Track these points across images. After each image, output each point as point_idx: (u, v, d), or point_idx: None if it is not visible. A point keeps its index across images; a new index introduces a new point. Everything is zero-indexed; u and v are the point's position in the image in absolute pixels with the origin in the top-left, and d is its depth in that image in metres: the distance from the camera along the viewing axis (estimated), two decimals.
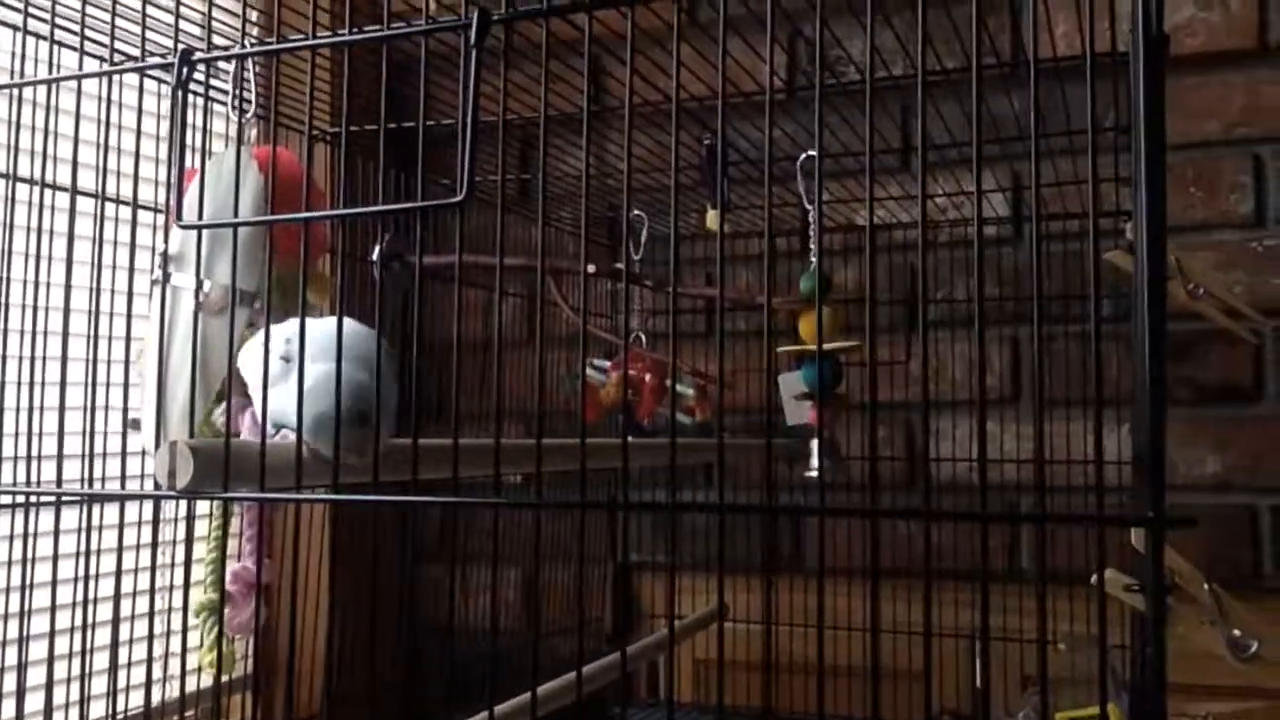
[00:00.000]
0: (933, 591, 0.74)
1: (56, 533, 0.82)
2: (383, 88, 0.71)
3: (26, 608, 0.88)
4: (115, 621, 0.87)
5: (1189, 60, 1.69)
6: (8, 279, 0.88)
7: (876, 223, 1.79)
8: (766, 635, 1.71)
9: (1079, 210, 1.59)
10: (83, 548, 0.84)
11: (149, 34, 0.88)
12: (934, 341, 1.81)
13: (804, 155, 1.31)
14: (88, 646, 0.89)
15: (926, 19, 0.65)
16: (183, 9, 0.82)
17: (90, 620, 0.86)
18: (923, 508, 0.61)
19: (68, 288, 0.87)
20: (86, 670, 0.91)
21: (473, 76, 0.65)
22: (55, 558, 0.84)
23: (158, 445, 0.71)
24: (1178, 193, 1.68)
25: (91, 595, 0.88)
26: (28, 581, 0.87)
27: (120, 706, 0.98)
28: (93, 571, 0.86)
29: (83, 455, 0.83)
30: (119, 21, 0.84)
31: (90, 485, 0.82)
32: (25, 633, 0.88)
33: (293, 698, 1.57)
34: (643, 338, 1.62)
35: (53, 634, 0.89)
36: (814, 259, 1.31)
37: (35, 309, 0.88)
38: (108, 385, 0.88)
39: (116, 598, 0.83)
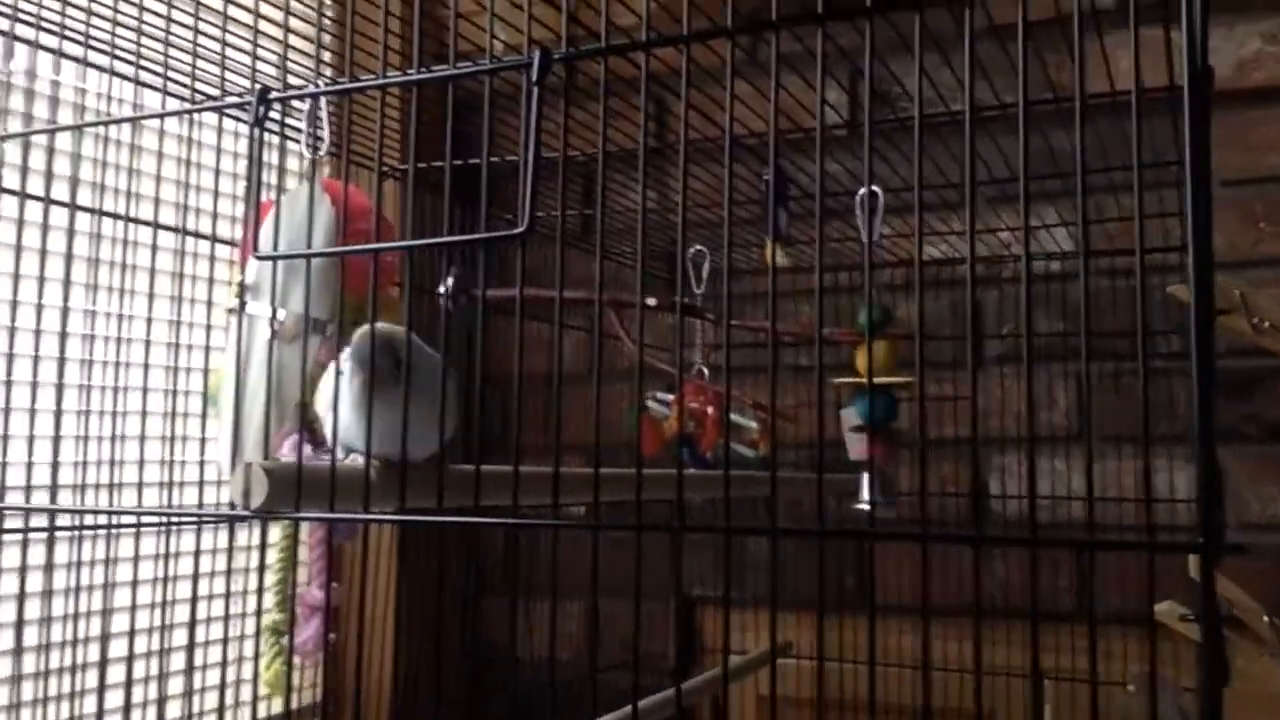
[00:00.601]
0: (990, 629, 0.73)
1: (136, 556, 0.84)
2: (448, 125, 0.74)
3: (106, 630, 0.91)
4: (190, 645, 0.90)
5: (1255, 94, 1.68)
6: (92, 310, 0.92)
7: (939, 257, 1.78)
8: (819, 671, 1.70)
9: (1147, 245, 1.58)
10: (160, 571, 0.86)
11: (228, 75, 0.92)
12: (999, 377, 1.80)
13: (861, 190, 1.32)
14: (163, 670, 0.92)
15: (974, 52, 0.66)
16: (261, 50, 0.86)
17: (164, 645, 0.89)
18: (973, 533, 0.61)
19: (149, 320, 0.90)
20: (161, 694, 0.94)
21: (534, 113, 0.67)
22: (135, 580, 0.87)
23: (234, 468, 0.74)
24: (1246, 227, 1.66)
25: (170, 620, 0.91)
26: (107, 605, 0.90)
27: None
28: (170, 596, 0.89)
29: (161, 483, 0.86)
30: (199, 63, 0.88)
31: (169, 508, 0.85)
32: (104, 655, 0.91)
33: None
34: (705, 371, 1.63)
35: (130, 656, 0.92)
36: (871, 293, 1.32)
37: (118, 341, 0.92)
38: (185, 415, 0.91)
39: (192, 620, 0.85)
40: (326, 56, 0.82)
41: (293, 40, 0.80)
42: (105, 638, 0.95)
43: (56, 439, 0.88)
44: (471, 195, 0.86)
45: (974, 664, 0.62)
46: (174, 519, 0.86)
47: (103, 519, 0.90)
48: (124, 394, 0.93)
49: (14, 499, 0.92)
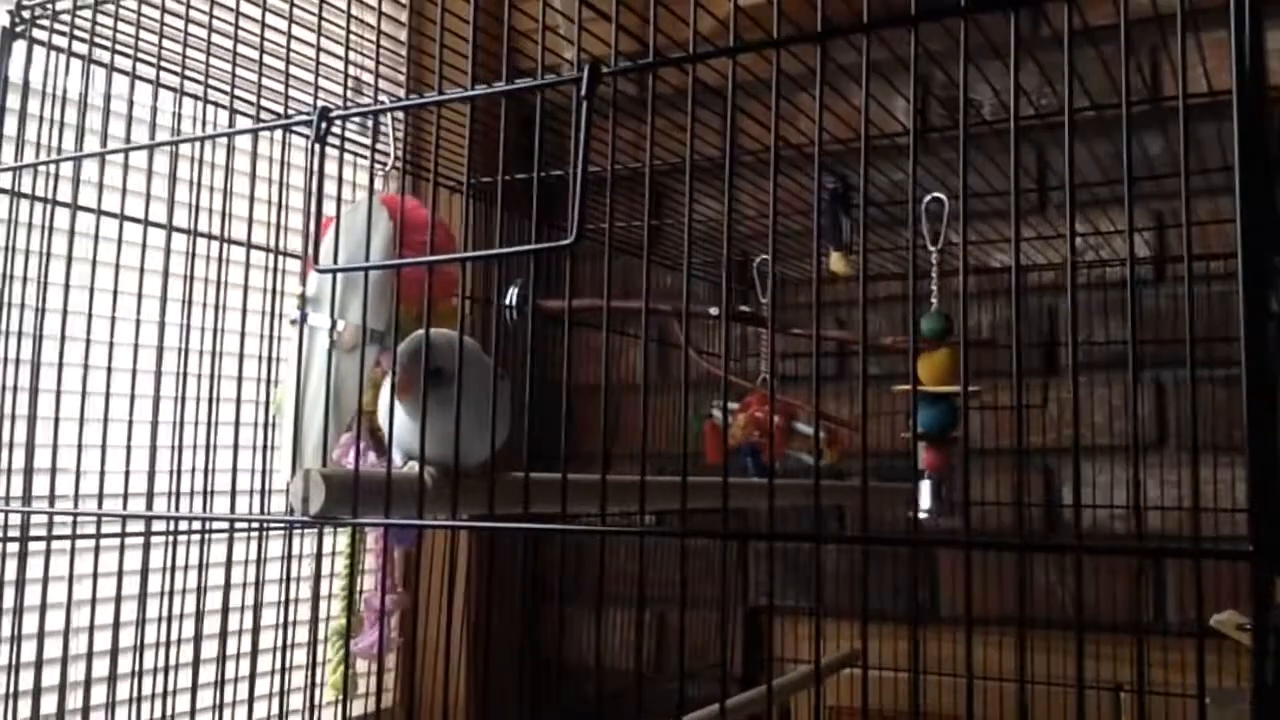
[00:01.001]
0: (1064, 640, 0.73)
1: (203, 559, 0.87)
2: (500, 139, 0.75)
3: (167, 636, 0.94)
4: (254, 648, 0.92)
5: None
6: (162, 321, 0.96)
7: (1009, 265, 1.76)
8: (914, 683, 1.68)
9: (1220, 251, 1.54)
10: (223, 575, 0.89)
11: (294, 93, 0.94)
12: (1072, 385, 1.77)
13: (928, 198, 1.32)
14: (220, 677, 0.94)
15: (1074, 57, 0.65)
16: (327, 70, 0.88)
17: (221, 653, 0.91)
18: (1016, 539, 0.61)
19: (183, 326, 0.93)
20: (219, 700, 0.96)
21: (584, 127, 0.69)
22: (200, 586, 0.89)
23: (293, 474, 0.76)
24: None
25: (237, 623, 0.93)
26: (170, 610, 0.93)
27: None
28: (236, 601, 0.91)
29: (230, 489, 0.89)
30: (267, 81, 0.90)
31: (234, 512, 0.88)
32: (166, 661, 0.93)
33: None
34: (769, 380, 1.63)
35: (196, 660, 0.94)
36: (934, 301, 1.32)
37: (175, 351, 0.95)
38: (241, 422, 0.93)
39: (256, 623, 0.88)
40: (401, 72, 0.84)
41: (364, 60, 0.82)
42: (168, 644, 0.98)
43: (128, 447, 0.92)
44: (544, 208, 0.87)
45: (1018, 674, 0.62)
46: (237, 525, 0.89)
47: (163, 525, 0.93)
48: (187, 403, 0.96)
49: (79, 504, 0.95)
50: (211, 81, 0.91)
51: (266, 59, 0.89)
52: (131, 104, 0.95)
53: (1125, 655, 1.58)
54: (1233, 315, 1.61)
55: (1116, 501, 1.70)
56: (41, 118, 0.99)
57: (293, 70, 0.86)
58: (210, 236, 0.98)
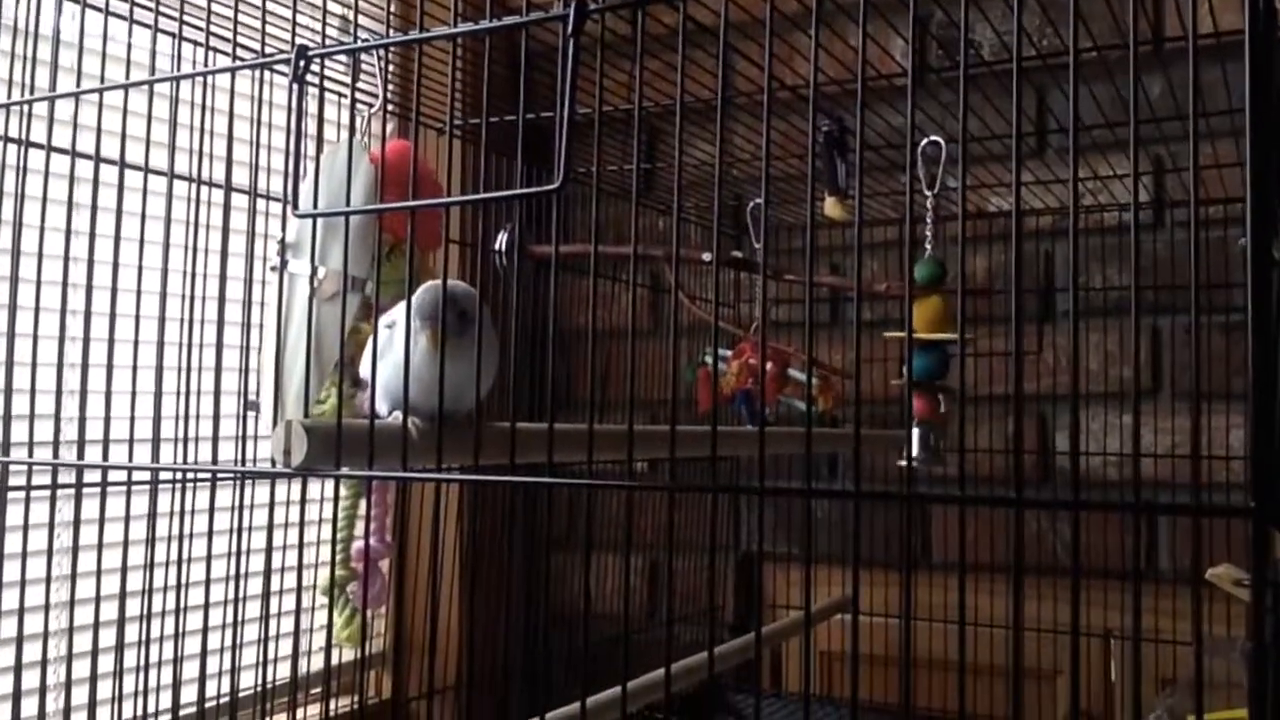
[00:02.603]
0: (1055, 587, 0.72)
1: (183, 510, 0.86)
2: (484, 79, 0.73)
3: (147, 586, 0.93)
4: (238, 595, 0.91)
5: None
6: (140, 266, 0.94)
7: (1007, 209, 1.74)
8: (906, 630, 1.68)
9: (1220, 196, 1.52)
10: (205, 525, 0.88)
11: (280, 32, 0.92)
12: (1068, 332, 1.75)
13: (925, 141, 1.29)
14: (181, 627, 0.93)
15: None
16: (313, 7, 0.85)
17: (207, 600, 0.90)
18: (1012, 495, 0.59)
19: (164, 270, 0.91)
20: (204, 648, 0.95)
21: (570, 67, 0.66)
22: (181, 535, 0.88)
23: (275, 425, 0.74)
24: None
25: (215, 574, 0.92)
26: (146, 560, 0.92)
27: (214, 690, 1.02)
28: (217, 550, 0.90)
29: (212, 436, 0.87)
30: (246, 19, 0.88)
31: (216, 464, 0.86)
32: (145, 610, 0.92)
33: (433, 672, 1.62)
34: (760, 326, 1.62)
35: (179, 609, 0.93)
36: (928, 247, 1.30)
37: (142, 295, 0.93)
38: (225, 369, 0.92)
39: (236, 574, 0.87)
40: (385, 10, 0.81)
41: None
42: (149, 592, 0.97)
43: (107, 393, 0.90)
44: (530, 151, 0.85)
45: (1015, 619, 0.61)
46: (220, 475, 0.87)
47: (147, 475, 0.92)
48: (166, 348, 0.94)
49: (50, 455, 0.94)
50: (188, 19, 0.88)
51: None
52: (106, 41, 0.92)
53: (1116, 602, 1.58)
54: (1231, 261, 1.60)
55: (1110, 448, 1.69)
56: (14, 55, 0.96)
57: (272, 7, 0.84)
58: (188, 179, 0.96)
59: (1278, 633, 0.75)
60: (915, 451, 1.33)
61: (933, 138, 1.30)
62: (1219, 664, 1.39)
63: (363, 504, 0.98)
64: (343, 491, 0.97)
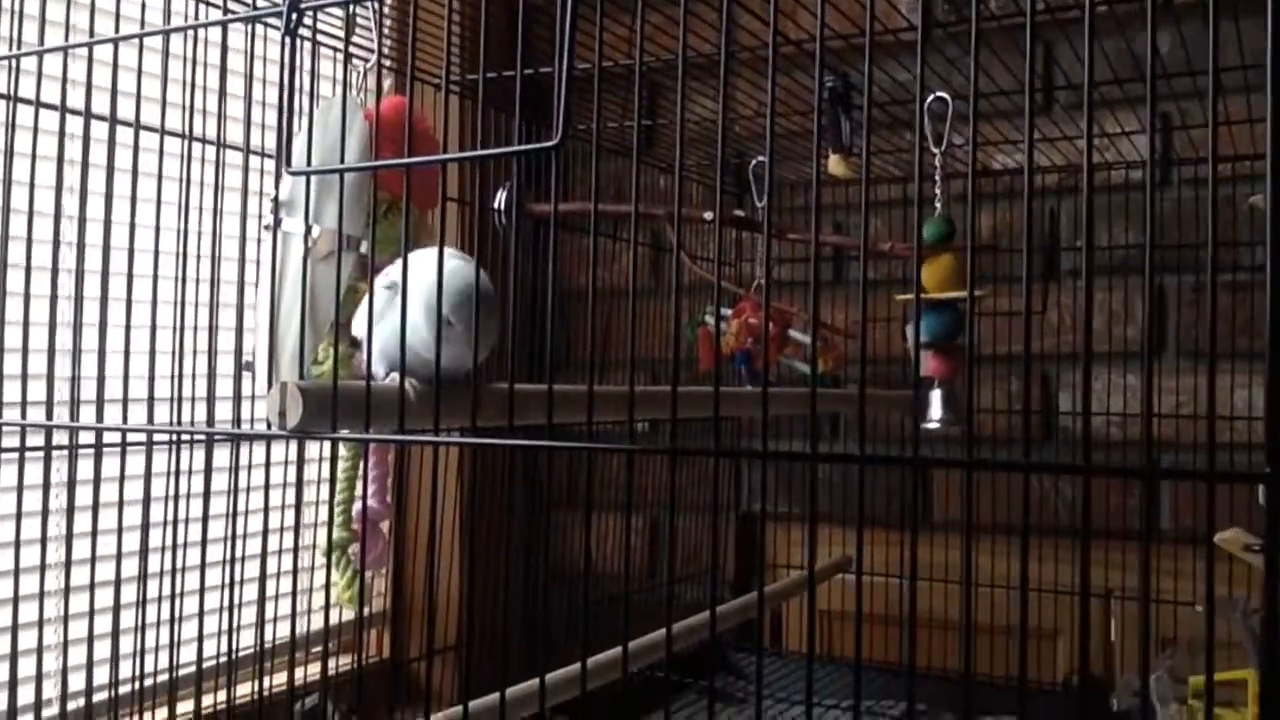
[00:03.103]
0: (1057, 547, 0.71)
1: (175, 471, 0.85)
2: (481, 32, 0.71)
3: (145, 546, 0.92)
4: (231, 556, 0.91)
5: None
6: (134, 223, 0.92)
7: (1014, 167, 1.72)
8: (912, 589, 1.68)
9: (1229, 154, 1.50)
10: (201, 486, 0.87)
11: None
12: (1072, 291, 1.74)
13: (931, 97, 1.27)
14: (179, 588, 0.93)
15: None
16: None
17: (203, 560, 0.90)
18: (1021, 460, 0.58)
19: (157, 228, 0.90)
20: (202, 609, 0.95)
21: (569, 20, 0.65)
22: (174, 495, 0.87)
23: (270, 386, 0.73)
24: None
25: (212, 535, 0.91)
26: (143, 521, 0.91)
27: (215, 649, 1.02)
28: (214, 511, 0.89)
29: (208, 397, 0.86)
30: None
31: (211, 426, 0.85)
32: (142, 571, 0.92)
33: (433, 633, 1.62)
34: (762, 285, 1.60)
35: (143, 571, 0.93)
36: (937, 205, 1.28)
37: (140, 253, 0.92)
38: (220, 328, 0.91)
39: (230, 536, 0.86)
40: None
41: None
42: (144, 552, 0.96)
43: (100, 352, 0.89)
44: (533, 109, 0.83)
45: (1021, 582, 0.60)
46: (216, 437, 0.86)
47: (142, 436, 0.91)
48: (160, 307, 0.93)
49: (44, 415, 0.93)
50: None
51: None
52: None
53: (1117, 561, 1.57)
54: (1239, 219, 1.57)
55: (1114, 408, 1.68)
56: (0, 9, 0.94)
57: None
58: (180, 135, 0.94)
59: None
60: (938, 413, 1.32)
61: (939, 94, 1.28)
62: (1219, 624, 1.39)
63: (362, 465, 0.97)
64: (342, 452, 0.96)
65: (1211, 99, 0.55)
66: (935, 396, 1.33)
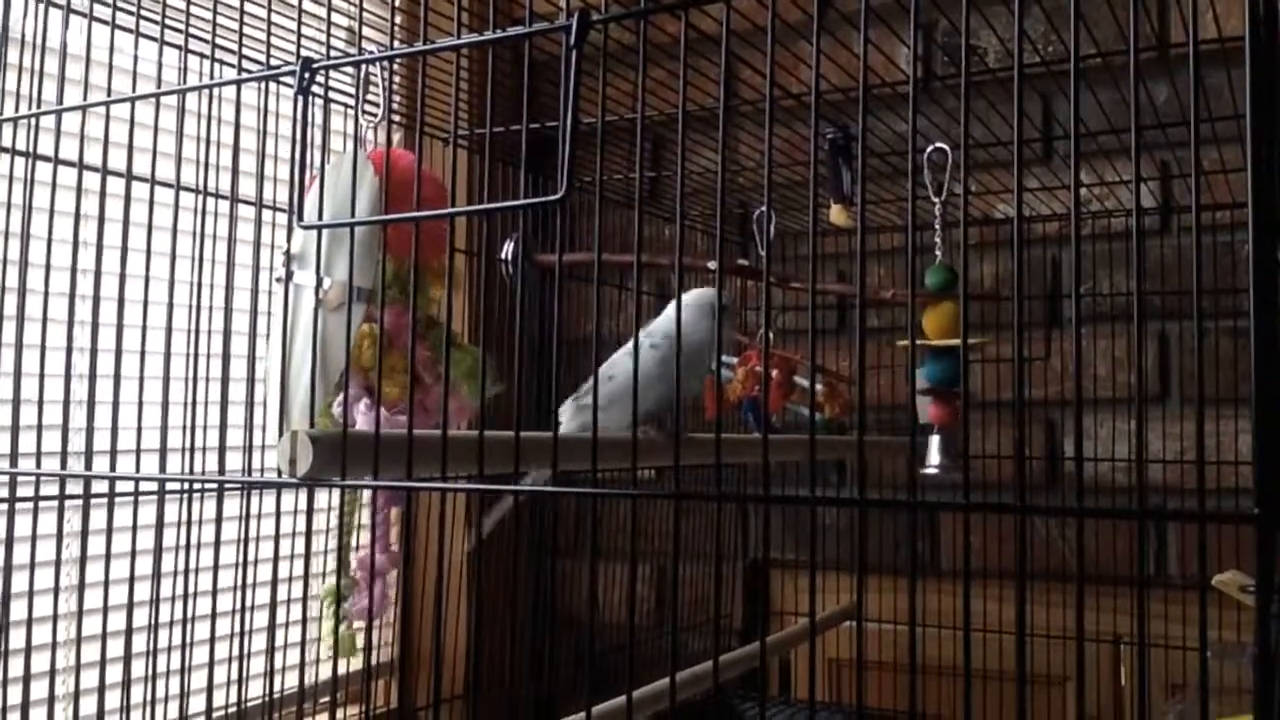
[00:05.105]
0: (1064, 594, 0.72)
1: (189, 520, 0.86)
2: (488, 89, 0.73)
3: (129, 596, 0.93)
4: (243, 605, 0.91)
5: None
6: (148, 277, 0.94)
7: (1014, 215, 1.74)
8: (911, 636, 1.68)
9: (1227, 201, 1.52)
10: (212, 535, 0.88)
11: (285, 44, 0.92)
12: (1073, 338, 1.75)
13: (931, 148, 1.30)
14: (189, 637, 0.93)
15: (1080, 2, 0.63)
16: (318, 19, 0.86)
17: (213, 609, 0.90)
18: (1015, 504, 0.59)
19: (171, 281, 0.91)
20: (212, 659, 0.95)
21: (573, 77, 0.66)
22: (185, 544, 0.88)
23: (280, 435, 0.74)
24: None
25: (222, 584, 0.92)
26: (154, 570, 0.92)
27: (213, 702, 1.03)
28: (224, 560, 0.90)
29: (219, 446, 0.88)
30: (251, 31, 0.88)
31: (223, 474, 0.87)
32: (153, 621, 0.92)
33: (439, 681, 1.62)
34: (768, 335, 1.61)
35: (154, 621, 0.94)
36: (938, 254, 1.30)
37: (148, 305, 0.93)
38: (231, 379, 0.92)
39: (243, 584, 0.87)
40: (397, 22, 0.81)
41: (351, 8, 0.80)
42: (156, 601, 0.97)
43: (115, 403, 0.90)
44: (537, 162, 0.85)
45: (1018, 626, 0.61)
46: (227, 485, 0.88)
47: (154, 485, 0.92)
48: (173, 359, 0.95)
49: (59, 465, 0.94)
50: (193, 31, 0.88)
51: (249, 6, 0.86)
52: (112, 53, 0.93)
53: (1125, 607, 1.58)
54: (1239, 266, 1.59)
55: (1118, 454, 1.69)
56: (21, 68, 0.97)
57: (277, 19, 0.84)
58: (194, 190, 0.96)
59: None
60: (936, 459, 1.33)
61: (938, 144, 1.30)
62: (1229, 669, 1.39)
63: (358, 514, 0.98)
64: (336, 502, 0.97)
65: (1194, 146, 0.56)
66: (934, 442, 1.34)
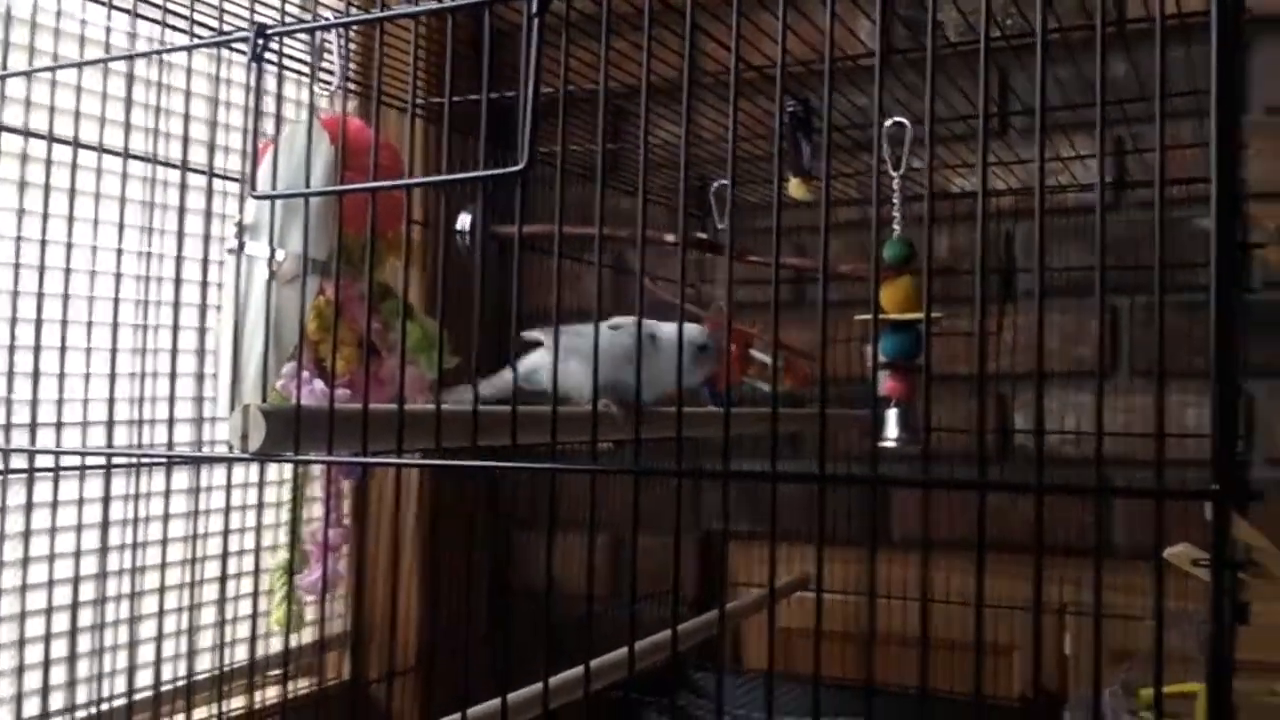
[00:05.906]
0: (1014, 564, 0.72)
1: (138, 494, 0.84)
2: (448, 59, 0.72)
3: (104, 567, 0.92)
4: (193, 579, 0.90)
5: None
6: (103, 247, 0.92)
7: (970, 190, 1.75)
8: (871, 607, 1.69)
9: (1180, 176, 1.53)
10: (161, 509, 0.87)
11: (240, 10, 0.90)
12: (1027, 312, 1.77)
13: (890, 122, 1.29)
14: (136, 611, 0.92)
15: None
16: None
17: (162, 584, 0.89)
18: (977, 479, 0.60)
19: (119, 251, 0.89)
20: (160, 631, 0.94)
21: (534, 47, 0.65)
22: (138, 518, 0.87)
23: (232, 410, 0.73)
24: None
25: (171, 558, 0.91)
26: (101, 545, 0.91)
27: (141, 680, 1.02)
28: (174, 534, 0.89)
29: (168, 419, 0.86)
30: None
31: (172, 449, 0.85)
32: (100, 595, 0.91)
33: (393, 654, 1.62)
34: (723, 307, 1.61)
35: (102, 595, 0.92)
36: (896, 228, 1.30)
37: (95, 275, 0.91)
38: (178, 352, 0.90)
39: (193, 559, 0.86)
40: None
41: None
42: (103, 576, 0.96)
43: (60, 375, 0.88)
44: (500, 132, 0.83)
45: (976, 599, 0.62)
46: (175, 460, 0.86)
47: (101, 460, 0.90)
48: (120, 330, 0.93)
49: (2, 439, 0.92)
50: None
51: None
52: (60, 18, 0.90)
53: (1071, 576, 1.59)
54: (1192, 241, 1.61)
55: (1068, 426, 1.70)
56: None
57: None
58: (144, 159, 0.94)
59: (1235, 613, 0.76)
60: (894, 432, 1.34)
61: (897, 118, 1.30)
62: (1174, 637, 1.41)
63: (309, 487, 0.97)
64: (286, 475, 0.95)
65: (1159, 123, 0.56)
66: (892, 416, 1.35)
